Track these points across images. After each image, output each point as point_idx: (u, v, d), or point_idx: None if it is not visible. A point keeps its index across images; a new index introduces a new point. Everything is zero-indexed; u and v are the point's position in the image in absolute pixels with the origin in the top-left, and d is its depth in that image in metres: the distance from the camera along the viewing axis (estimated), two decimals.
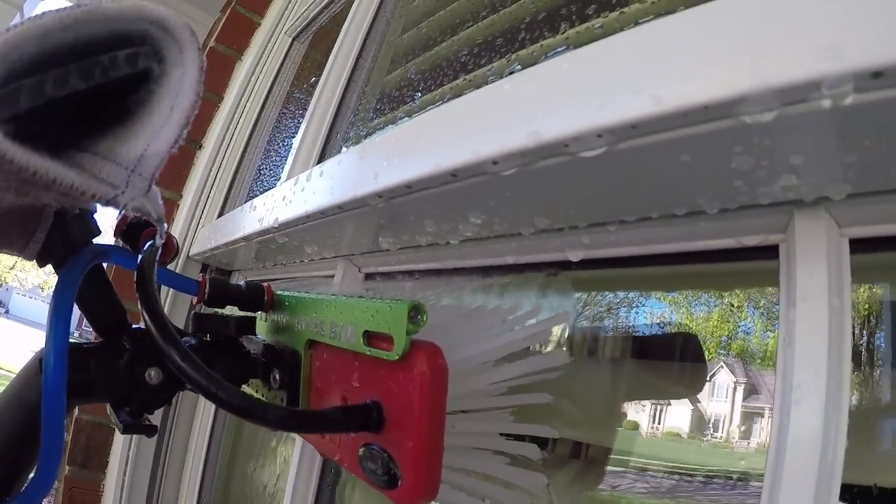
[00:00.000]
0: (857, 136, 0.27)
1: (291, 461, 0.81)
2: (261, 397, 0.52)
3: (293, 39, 1.70)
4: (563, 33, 0.61)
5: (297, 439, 0.82)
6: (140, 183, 0.32)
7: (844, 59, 0.24)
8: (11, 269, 23.97)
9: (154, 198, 0.36)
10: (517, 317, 0.47)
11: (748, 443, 0.44)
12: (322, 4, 1.55)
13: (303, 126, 1.17)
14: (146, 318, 0.37)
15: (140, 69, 0.32)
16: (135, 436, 1.28)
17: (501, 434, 0.44)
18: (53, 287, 0.39)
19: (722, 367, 0.46)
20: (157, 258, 0.43)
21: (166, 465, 1.35)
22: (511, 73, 0.51)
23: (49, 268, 0.40)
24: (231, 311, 0.53)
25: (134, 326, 0.44)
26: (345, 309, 0.40)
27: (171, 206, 1.57)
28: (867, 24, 0.24)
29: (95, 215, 0.41)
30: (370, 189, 0.51)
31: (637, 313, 0.52)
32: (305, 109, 1.23)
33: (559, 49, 0.61)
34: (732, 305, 0.46)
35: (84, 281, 0.39)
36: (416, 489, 0.34)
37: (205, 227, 1.41)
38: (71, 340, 0.38)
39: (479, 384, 0.43)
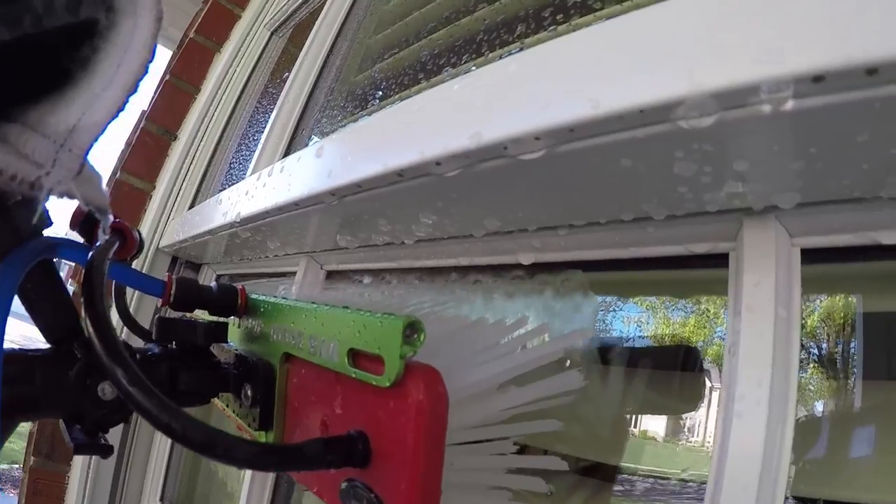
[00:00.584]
0: (802, 142, 0.27)
1: None
2: (233, 413, 0.48)
3: (272, 33, 1.68)
4: (519, 38, 0.61)
5: None
6: (69, 161, 0.26)
7: (786, 63, 0.23)
8: None
9: (90, 182, 0.29)
10: (524, 334, 0.42)
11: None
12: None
13: (270, 121, 1.15)
14: (89, 326, 0.31)
15: (83, 19, 0.25)
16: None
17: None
18: None
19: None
20: (111, 254, 0.38)
21: (131, 457, 1.33)
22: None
23: None
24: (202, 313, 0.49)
25: None
26: (327, 321, 0.35)
27: (144, 196, 1.55)
28: (810, 26, 0.23)
29: (48, 204, 0.34)
30: (324, 186, 0.49)
31: (615, 318, 0.50)
32: None
33: (514, 51, 0.60)
34: (709, 311, 0.46)
35: (30, 278, 0.34)
36: None
37: (175, 219, 1.39)
38: (12, 346, 0.34)
39: (483, 413, 0.38)
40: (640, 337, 0.50)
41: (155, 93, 1.65)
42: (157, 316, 0.46)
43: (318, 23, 1.21)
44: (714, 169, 0.30)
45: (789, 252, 0.36)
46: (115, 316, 0.49)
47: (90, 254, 0.36)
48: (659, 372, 0.50)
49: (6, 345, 0.32)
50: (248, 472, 0.77)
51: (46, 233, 0.36)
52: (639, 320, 0.50)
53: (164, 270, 1.42)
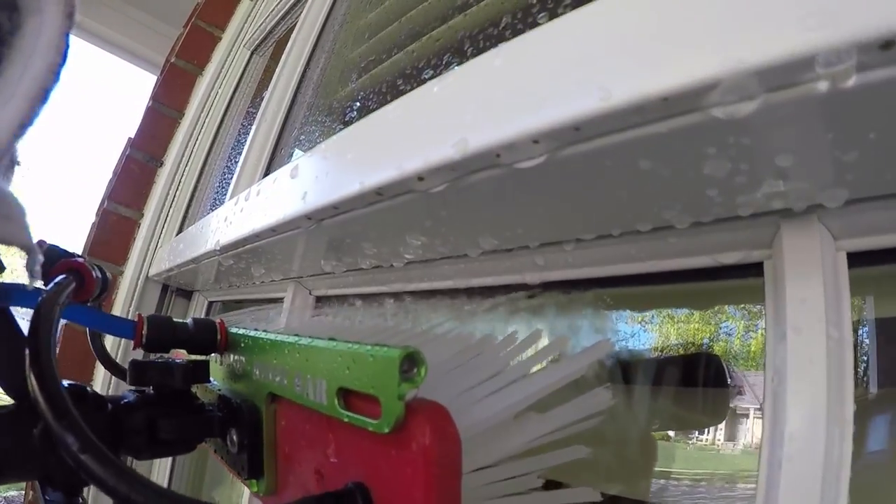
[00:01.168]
0: (861, 126, 0.21)
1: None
2: (222, 459, 0.43)
3: (252, 52, 1.64)
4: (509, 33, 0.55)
5: None
6: None
7: (842, 27, 0.18)
8: None
9: (7, 217, 0.23)
10: (540, 351, 0.36)
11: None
12: (279, 16, 1.49)
13: (248, 140, 1.10)
14: (33, 383, 0.27)
15: None
16: None
17: None
18: None
19: None
20: (64, 298, 0.34)
21: None
22: None
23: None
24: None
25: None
26: (312, 355, 0.30)
27: (132, 225, 1.51)
28: None
29: None
30: (299, 210, 0.44)
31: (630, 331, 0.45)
32: None
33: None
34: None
35: None
36: None
37: (163, 247, 1.35)
38: None
39: (501, 450, 0.32)
40: (657, 349, 0.45)
41: (141, 120, 1.62)
42: (130, 360, 0.41)
43: (293, 36, 1.17)
44: (752, 166, 0.25)
45: (835, 258, 0.30)
46: None
47: (40, 299, 0.32)
48: (682, 388, 0.45)
49: None
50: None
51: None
52: (655, 331, 0.45)
53: (155, 300, 1.38)
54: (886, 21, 0.17)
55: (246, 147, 1.10)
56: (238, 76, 1.61)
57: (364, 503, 0.26)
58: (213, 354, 0.46)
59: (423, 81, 0.66)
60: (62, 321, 0.38)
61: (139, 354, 0.50)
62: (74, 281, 0.37)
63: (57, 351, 0.30)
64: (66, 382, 0.33)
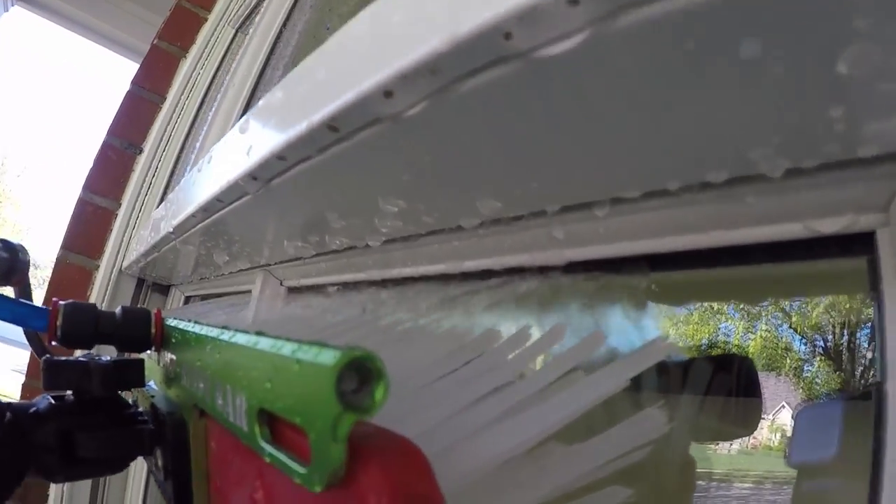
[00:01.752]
0: None
1: None
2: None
3: (237, 30, 1.53)
4: None
5: None
6: None
7: None
8: None
9: None
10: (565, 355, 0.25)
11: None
12: None
13: (212, 110, 0.99)
14: None
15: None
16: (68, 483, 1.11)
17: None
18: None
19: None
20: None
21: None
22: None
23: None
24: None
25: None
26: (232, 357, 0.21)
27: (110, 215, 1.41)
28: None
29: None
30: (243, 169, 0.34)
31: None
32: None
33: None
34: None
35: None
36: None
37: (134, 238, 1.24)
38: None
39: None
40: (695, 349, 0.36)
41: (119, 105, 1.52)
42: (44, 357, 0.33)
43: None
44: None
45: None
46: None
47: None
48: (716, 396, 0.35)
49: None
50: None
51: None
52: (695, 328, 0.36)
53: (129, 295, 1.28)
54: None
55: (209, 119, 0.99)
56: (221, 56, 1.51)
57: None
58: (148, 351, 0.38)
59: None
60: None
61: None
62: None
63: None
64: None
